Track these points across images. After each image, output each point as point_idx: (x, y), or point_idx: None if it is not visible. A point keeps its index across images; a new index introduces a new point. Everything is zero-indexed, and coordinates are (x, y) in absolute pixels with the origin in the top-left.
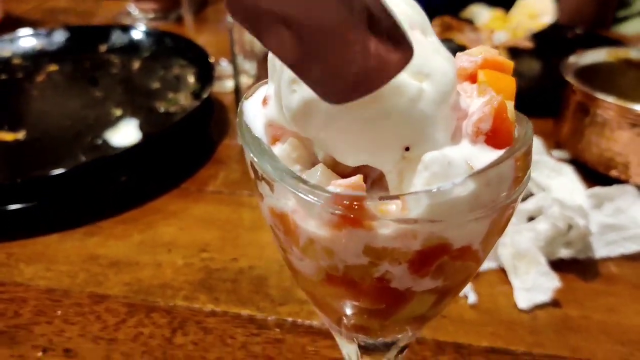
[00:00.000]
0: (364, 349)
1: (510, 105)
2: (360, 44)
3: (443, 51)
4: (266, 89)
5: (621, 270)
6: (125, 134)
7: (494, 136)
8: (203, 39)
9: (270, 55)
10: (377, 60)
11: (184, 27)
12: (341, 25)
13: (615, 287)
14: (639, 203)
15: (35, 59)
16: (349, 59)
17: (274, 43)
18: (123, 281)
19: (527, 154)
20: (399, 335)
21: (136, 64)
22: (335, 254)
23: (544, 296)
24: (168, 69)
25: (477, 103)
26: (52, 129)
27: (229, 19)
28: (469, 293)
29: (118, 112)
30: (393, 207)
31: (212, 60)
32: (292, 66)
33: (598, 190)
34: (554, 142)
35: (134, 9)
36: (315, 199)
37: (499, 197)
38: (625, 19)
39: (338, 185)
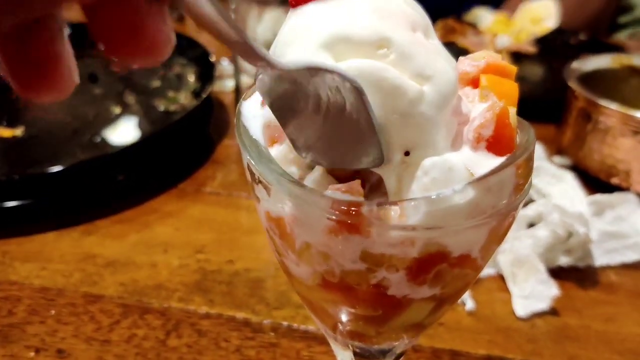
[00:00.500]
0: (359, 356)
1: (512, 111)
2: None
3: (445, 54)
4: None
5: (621, 279)
6: (124, 132)
7: (496, 142)
8: (204, 38)
9: None
10: None
11: (185, 26)
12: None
13: (614, 295)
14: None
15: None
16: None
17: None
18: (118, 281)
19: (529, 161)
20: (395, 343)
21: None
22: (331, 259)
23: (543, 304)
24: (168, 67)
25: (478, 108)
26: (50, 126)
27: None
28: (467, 300)
29: (117, 109)
30: (391, 213)
31: (213, 59)
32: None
33: (599, 197)
34: (555, 148)
35: None
36: (312, 203)
37: (500, 204)
38: (626, 25)
39: (335, 190)
